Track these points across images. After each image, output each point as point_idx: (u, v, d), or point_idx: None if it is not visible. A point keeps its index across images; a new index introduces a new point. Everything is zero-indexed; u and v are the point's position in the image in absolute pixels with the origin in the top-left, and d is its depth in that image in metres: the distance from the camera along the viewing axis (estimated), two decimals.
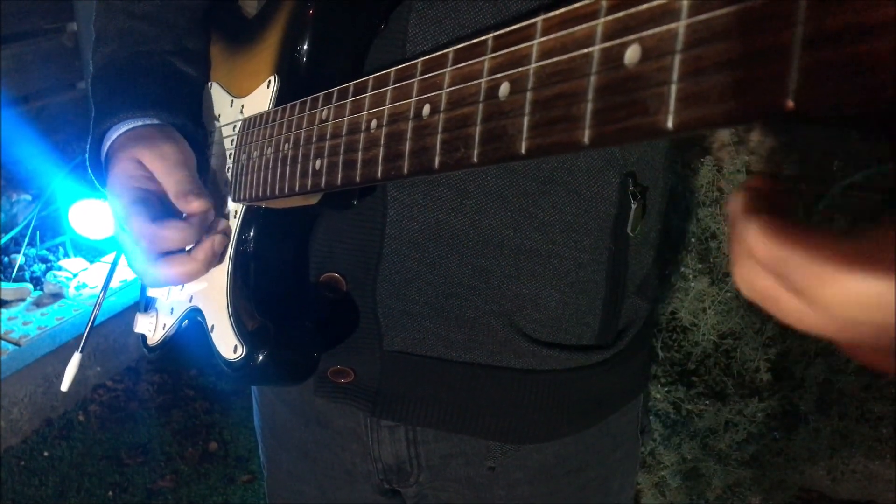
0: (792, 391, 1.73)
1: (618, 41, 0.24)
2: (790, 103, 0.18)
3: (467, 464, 0.71)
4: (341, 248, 0.63)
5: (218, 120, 0.69)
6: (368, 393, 0.67)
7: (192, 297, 0.68)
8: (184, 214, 0.61)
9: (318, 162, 0.47)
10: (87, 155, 0.68)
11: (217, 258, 0.62)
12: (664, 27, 0.22)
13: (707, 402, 1.77)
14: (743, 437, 1.74)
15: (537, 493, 0.72)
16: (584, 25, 0.25)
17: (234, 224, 0.63)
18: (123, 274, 2.28)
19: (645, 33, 0.23)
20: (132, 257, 0.61)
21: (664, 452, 1.78)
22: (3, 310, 2.19)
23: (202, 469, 2.04)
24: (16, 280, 2.35)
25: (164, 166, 0.60)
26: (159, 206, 0.60)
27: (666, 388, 1.80)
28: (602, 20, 0.24)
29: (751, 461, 1.72)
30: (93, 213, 2.33)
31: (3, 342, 2.04)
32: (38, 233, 2.48)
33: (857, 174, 2.29)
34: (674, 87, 0.22)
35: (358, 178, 0.42)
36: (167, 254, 0.60)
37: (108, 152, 0.64)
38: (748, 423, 1.74)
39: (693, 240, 1.62)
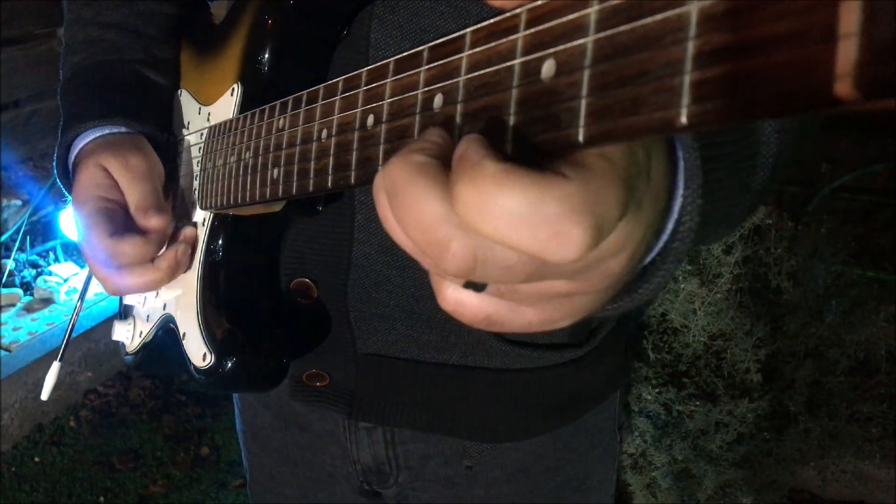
0: (782, 392, 1.73)
1: (535, 55, 0.23)
2: (682, 119, 0.18)
3: (446, 464, 0.71)
4: (311, 254, 0.63)
5: (187, 128, 0.69)
6: (344, 396, 0.67)
7: (166, 304, 0.68)
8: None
9: (275, 171, 0.46)
10: (54, 163, 0.68)
11: (181, 267, 0.61)
12: (574, 42, 0.22)
13: (698, 403, 1.77)
14: (733, 438, 1.74)
15: (516, 491, 0.72)
16: (506, 39, 0.25)
17: (203, 232, 0.63)
18: None
19: (558, 48, 0.22)
20: (93, 267, 0.61)
21: (655, 453, 1.77)
22: None
23: (194, 474, 2.04)
24: (6, 285, 2.35)
25: (128, 178, 0.61)
26: (121, 218, 0.60)
27: (657, 390, 1.80)
28: (521, 34, 0.24)
29: (741, 462, 1.72)
30: None
31: None
32: (28, 238, 2.48)
33: (846, 175, 2.30)
34: (583, 102, 0.21)
35: (311, 188, 0.41)
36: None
37: (75, 160, 0.64)
38: (739, 423, 1.74)
39: None
